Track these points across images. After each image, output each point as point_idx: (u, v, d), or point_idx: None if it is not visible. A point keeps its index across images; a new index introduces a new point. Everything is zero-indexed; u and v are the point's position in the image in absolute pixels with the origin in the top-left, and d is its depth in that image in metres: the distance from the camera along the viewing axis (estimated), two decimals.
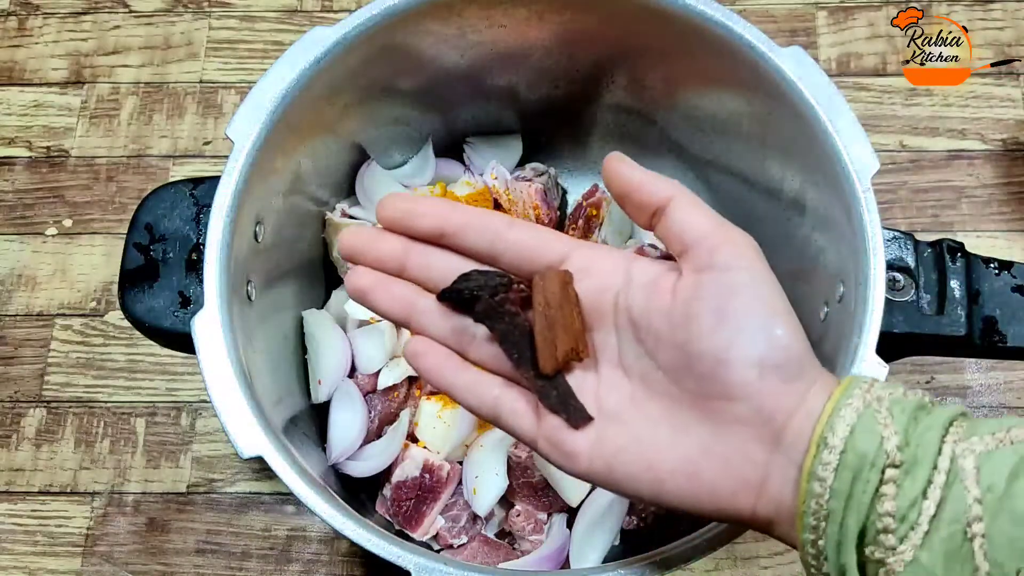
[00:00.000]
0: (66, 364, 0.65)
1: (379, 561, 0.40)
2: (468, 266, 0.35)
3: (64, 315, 0.66)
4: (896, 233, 0.48)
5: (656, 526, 0.54)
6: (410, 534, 0.53)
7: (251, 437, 0.41)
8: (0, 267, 0.67)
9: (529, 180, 0.59)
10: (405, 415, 0.55)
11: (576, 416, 0.33)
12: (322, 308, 0.58)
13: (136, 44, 0.73)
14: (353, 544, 0.41)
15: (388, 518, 0.54)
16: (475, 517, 0.55)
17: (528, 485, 0.54)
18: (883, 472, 0.28)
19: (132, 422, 0.63)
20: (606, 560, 0.53)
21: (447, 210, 0.35)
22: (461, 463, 0.55)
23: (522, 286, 0.34)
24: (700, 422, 0.31)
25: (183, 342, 0.45)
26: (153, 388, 0.64)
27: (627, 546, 0.54)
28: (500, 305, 0.34)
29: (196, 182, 0.49)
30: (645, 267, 0.34)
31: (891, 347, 0.45)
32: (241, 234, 0.46)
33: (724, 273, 0.32)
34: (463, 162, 0.63)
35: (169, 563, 0.60)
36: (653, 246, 0.58)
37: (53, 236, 0.68)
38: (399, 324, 0.40)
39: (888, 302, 0.43)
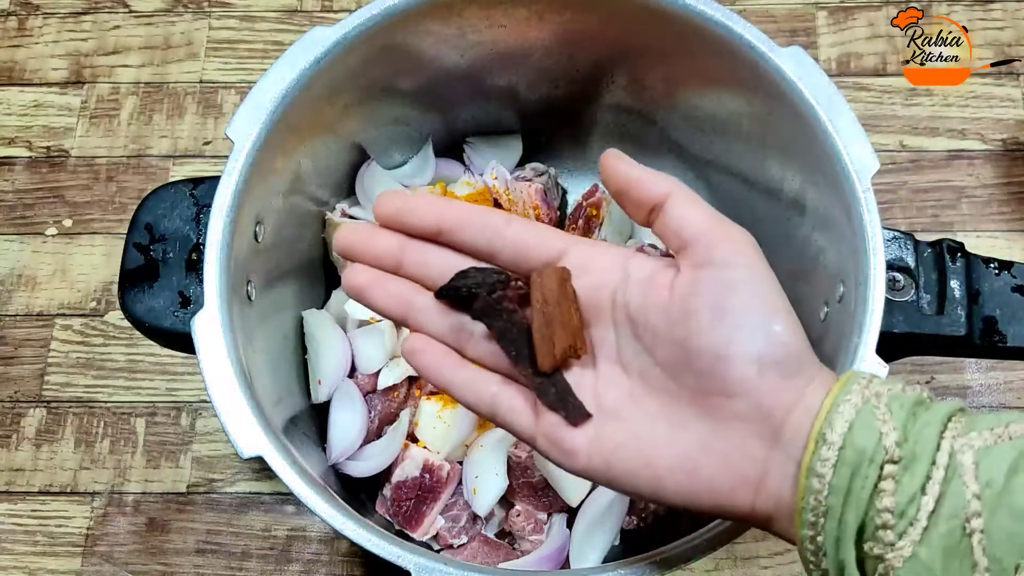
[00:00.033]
0: (66, 364, 0.65)
1: (379, 561, 0.40)
2: (466, 263, 0.35)
3: (64, 315, 0.66)
4: (896, 233, 0.48)
5: (656, 526, 0.54)
6: (410, 534, 0.53)
7: (251, 437, 0.41)
8: (0, 267, 0.67)
9: (529, 180, 0.59)
10: (405, 415, 0.55)
11: (574, 413, 0.33)
12: (322, 308, 0.58)
13: (136, 44, 0.73)
14: (353, 544, 0.41)
15: (388, 518, 0.54)
16: (475, 517, 0.55)
17: (528, 485, 0.54)
18: (882, 468, 0.28)
19: (132, 422, 0.63)
20: (606, 560, 0.53)
21: (444, 207, 0.35)
22: (461, 463, 0.55)
23: (520, 283, 0.34)
24: (699, 418, 0.31)
25: (183, 342, 0.45)
26: (153, 388, 0.64)
27: (627, 546, 0.54)
28: (498, 302, 0.34)
29: (196, 182, 0.49)
30: (643, 263, 0.34)
31: (891, 347, 0.45)
32: (241, 234, 0.46)
33: (722, 269, 0.32)
34: (463, 162, 0.63)
35: (169, 563, 0.60)
36: (653, 246, 0.58)
37: (53, 236, 0.68)
38: (396, 321, 0.40)
39: (888, 302, 0.43)
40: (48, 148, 0.70)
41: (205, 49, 0.73)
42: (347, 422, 0.54)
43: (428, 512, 0.53)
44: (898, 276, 0.47)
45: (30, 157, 0.70)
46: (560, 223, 0.62)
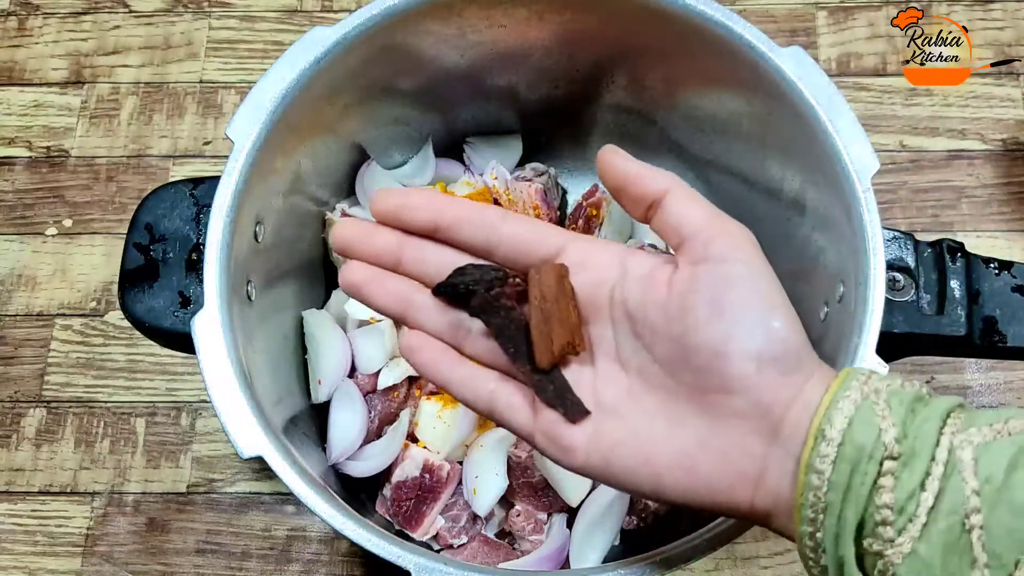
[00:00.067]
0: (66, 364, 0.65)
1: (379, 561, 0.40)
2: (463, 260, 0.35)
3: (64, 315, 0.66)
4: (896, 233, 0.48)
5: (656, 526, 0.54)
6: (410, 534, 0.53)
7: (251, 437, 0.41)
8: (0, 267, 0.67)
9: (529, 180, 0.59)
10: (405, 415, 0.55)
11: (573, 410, 0.33)
12: (322, 308, 0.58)
13: (136, 44, 0.73)
14: (353, 544, 0.41)
15: (388, 518, 0.54)
16: (475, 517, 0.55)
17: (528, 485, 0.54)
18: (881, 464, 0.28)
19: (132, 422, 0.63)
20: (606, 560, 0.53)
21: (442, 203, 0.35)
22: (461, 463, 0.55)
23: (517, 280, 0.34)
24: (697, 415, 0.31)
25: (183, 342, 0.45)
26: (153, 388, 0.64)
27: (627, 546, 0.54)
28: (496, 299, 0.34)
29: (196, 182, 0.49)
30: (641, 260, 0.34)
31: (891, 347, 0.45)
32: (241, 234, 0.46)
33: (720, 265, 0.31)
34: (463, 162, 0.63)
35: (169, 563, 0.60)
36: (653, 246, 0.58)
37: (53, 236, 0.68)
38: (394, 319, 0.40)
39: (888, 302, 0.43)
40: (48, 148, 0.70)
41: (205, 49, 0.73)
42: (347, 422, 0.54)
43: (428, 512, 0.53)
44: (898, 276, 0.47)
45: (30, 157, 0.70)
46: (560, 223, 0.62)
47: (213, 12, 0.74)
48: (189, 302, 0.46)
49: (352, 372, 0.56)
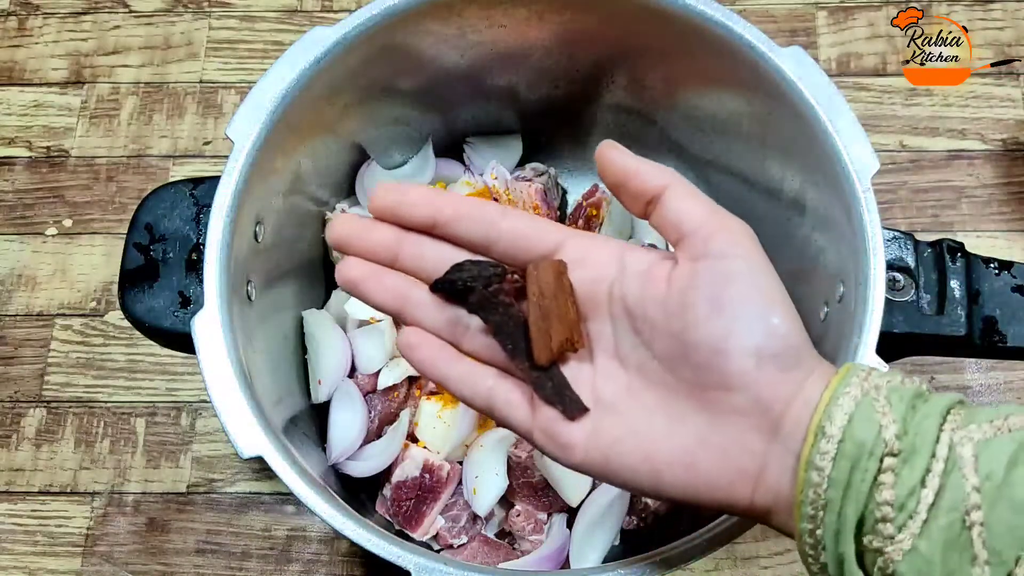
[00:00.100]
0: (66, 364, 0.65)
1: (379, 561, 0.40)
2: (462, 256, 0.35)
3: (64, 315, 0.66)
4: (896, 233, 0.48)
5: (656, 526, 0.54)
6: (410, 534, 0.53)
7: (251, 437, 0.41)
8: (0, 267, 0.67)
9: (529, 180, 0.59)
10: (405, 415, 0.55)
11: (572, 407, 0.33)
12: (322, 308, 0.58)
13: (136, 44, 0.73)
14: (353, 544, 0.41)
15: (388, 518, 0.54)
16: (475, 517, 0.55)
17: (528, 485, 0.54)
18: (881, 461, 0.28)
19: (132, 422, 0.63)
20: (606, 560, 0.53)
21: (439, 199, 0.35)
22: (461, 463, 0.55)
23: (516, 276, 0.34)
24: (697, 412, 0.31)
25: (183, 342, 0.45)
26: (153, 388, 0.64)
27: (627, 546, 0.54)
28: (494, 296, 0.34)
29: (196, 182, 0.49)
30: (640, 256, 0.34)
31: (891, 347, 0.45)
32: (241, 234, 0.46)
33: (719, 261, 0.31)
34: (463, 162, 0.63)
35: (169, 563, 0.60)
36: (653, 245, 0.58)
37: (53, 236, 0.68)
38: (392, 315, 0.40)
39: (888, 302, 0.43)
40: (48, 148, 0.70)
41: (205, 49, 0.73)
42: (347, 422, 0.54)
43: (428, 512, 0.53)
44: (898, 276, 0.47)
45: (30, 157, 0.70)
46: (560, 223, 0.62)
47: (213, 12, 0.74)
48: (189, 302, 0.46)
49: (352, 372, 0.56)
